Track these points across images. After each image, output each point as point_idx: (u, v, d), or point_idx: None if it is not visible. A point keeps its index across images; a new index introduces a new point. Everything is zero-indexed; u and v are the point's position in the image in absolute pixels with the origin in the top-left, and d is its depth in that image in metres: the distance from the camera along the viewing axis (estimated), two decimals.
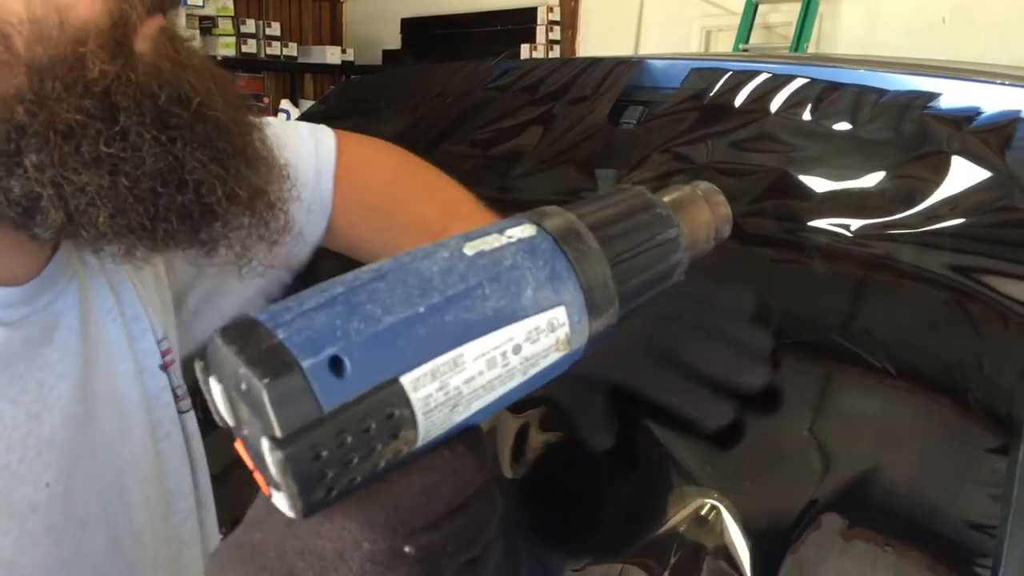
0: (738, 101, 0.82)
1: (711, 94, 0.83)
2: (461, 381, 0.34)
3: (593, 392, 0.70)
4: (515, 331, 0.35)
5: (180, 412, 0.62)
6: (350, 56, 6.56)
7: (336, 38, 7.14)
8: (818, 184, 0.71)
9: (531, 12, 5.92)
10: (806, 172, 0.72)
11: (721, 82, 0.84)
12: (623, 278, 0.39)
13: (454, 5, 6.32)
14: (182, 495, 0.62)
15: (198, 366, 0.36)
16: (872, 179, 0.69)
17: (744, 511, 0.61)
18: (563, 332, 0.37)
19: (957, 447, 0.57)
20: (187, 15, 5.46)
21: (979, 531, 0.53)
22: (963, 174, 0.64)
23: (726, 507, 0.62)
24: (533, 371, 0.36)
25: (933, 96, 0.73)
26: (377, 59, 6.77)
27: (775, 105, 0.80)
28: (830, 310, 0.66)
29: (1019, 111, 0.68)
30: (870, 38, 4.53)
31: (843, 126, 0.75)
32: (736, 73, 0.84)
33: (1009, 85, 0.74)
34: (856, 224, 0.67)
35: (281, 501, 0.33)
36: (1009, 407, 0.55)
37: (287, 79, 6.74)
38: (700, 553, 0.61)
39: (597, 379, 0.69)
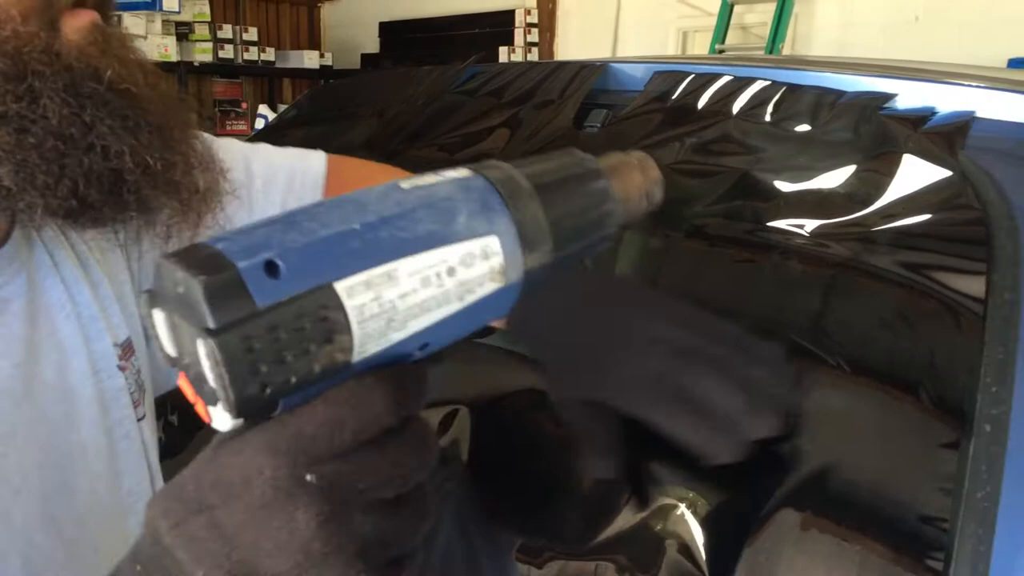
0: (700, 103, 0.83)
1: (674, 97, 0.84)
2: (396, 295, 0.35)
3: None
4: (448, 253, 0.37)
5: (137, 419, 0.63)
6: (328, 60, 6.55)
7: (314, 42, 7.13)
8: (777, 185, 0.72)
9: (509, 15, 5.93)
10: (766, 173, 0.73)
11: (684, 85, 0.84)
12: (555, 217, 0.40)
13: (432, 8, 6.32)
14: (141, 496, 0.62)
15: (143, 299, 0.37)
16: (829, 179, 0.70)
17: (701, 507, 0.62)
18: (497, 261, 0.38)
19: (911, 443, 0.58)
20: (163, 21, 5.44)
21: (932, 525, 0.54)
22: (917, 174, 0.65)
23: (685, 503, 0.63)
24: (470, 298, 0.37)
25: (889, 97, 0.74)
26: (356, 63, 6.76)
27: (737, 107, 0.81)
28: (788, 308, 0.67)
29: (973, 112, 0.69)
30: (844, 37, 4.57)
31: (802, 127, 0.76)
32: (698, 76, 0.85)
33: (965, 85, 0.75)
34: (814, 224, 0.68)
35: (219, 415, 0.34)
36: (960, 402, 0.56)
37: (265, 84, 6.72)
38: (659, 548, 0.62)
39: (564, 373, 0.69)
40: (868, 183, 0.67)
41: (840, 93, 0.77)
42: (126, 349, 0.64)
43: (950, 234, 0.62)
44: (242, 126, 6.13)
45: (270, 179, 0.71)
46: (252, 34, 6.16)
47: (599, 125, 0.87)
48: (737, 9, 4.82)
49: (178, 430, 1.07)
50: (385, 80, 1.23)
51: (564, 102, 0.89)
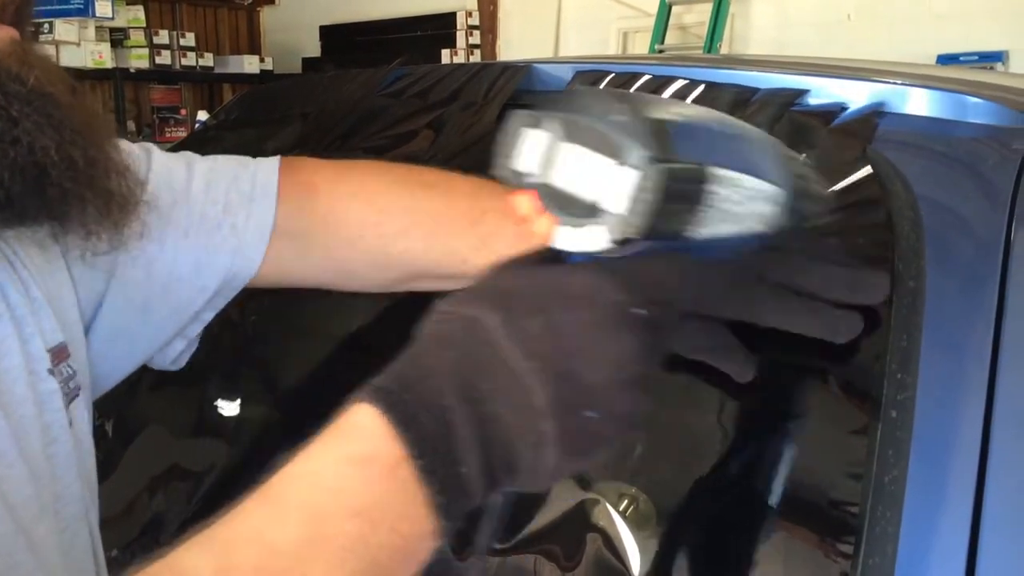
0: None
1: None
2: (726, 195, 0.43)
3: None
4: (759, 185, 0.46)
5: (68, 424, 0.63)
6: (269, 65, 6.48)
7: (254, 47, 7.04)
8: None
9: (450, 17, 5.93)
10: None
11: (604, 84, 0.85)
12: (803, 197, 0.51)
13: (373, 11, 6.29)
14: (72, 500, 0.61)
15: (519, 118, 0.44)
16: None
17: (628, 502, 0.63)
18: (775, 210, 0.48)
19: (823, 430, 0.60)
20: (96, 27, 5.33)
21: (843, 510, 0.56)
22: (826, 168, 0.67)
23: (609, 499, 0.63)
24: (745, 226, 0.47)
25: (800, 94, 0.75)
26: (297, 67, 6.69)
27: None
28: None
29: (880, 105, 0.71)
30: (780, 36, 4.66)
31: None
32: (619, 75, 0.86)
33: (876, 81, 0.77)
34: None
35: (589, 233, 0.41)
36: (867, 390, 0.57)
37: (205, 90, 6.62)
38: (583, 543, 0.63)
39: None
40: None
41: (754, 91, 0.78)
42: (57, 353, 0.63)
43: (855, 225, 0.64)
44: (182, 133, 6.03)
45: (212, 179, 0.71)
46: (190, 39, 6.07)
47: None
48: (676, 10, 4.87)
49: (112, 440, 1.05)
50: (314, 84, 1.22)
51: (488, 104, 0.89)
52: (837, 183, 0.66)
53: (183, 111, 6.29)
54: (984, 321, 0.57)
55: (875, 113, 0.71)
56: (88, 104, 0.58)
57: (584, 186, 0.41)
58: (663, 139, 0.40)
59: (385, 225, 0.70)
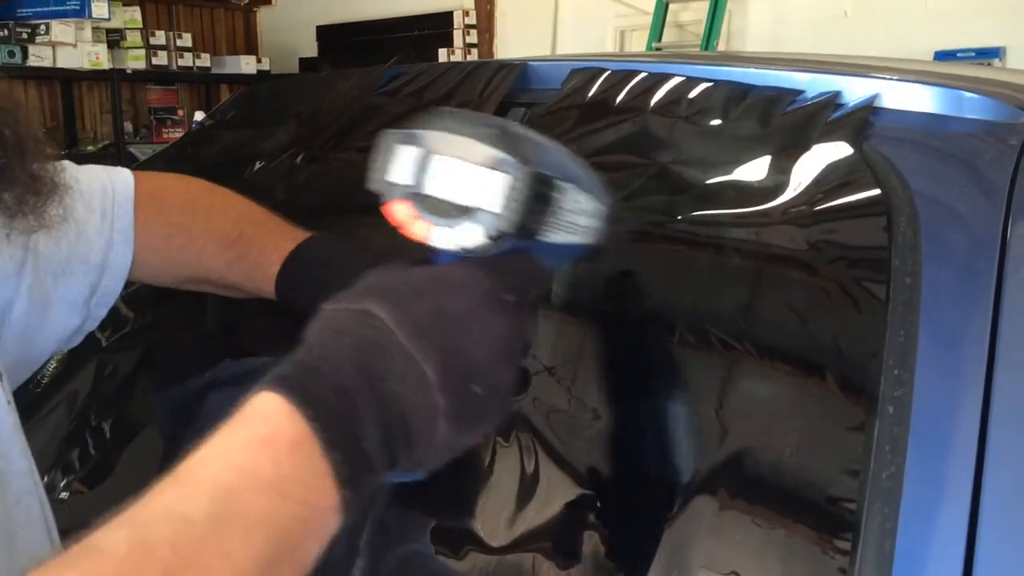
0: (617, 100, 0.83)
1: (591, 94, 0.85)
2: (566, 208, 0.50)
3: None
4: (589, 203, 0.53)
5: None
6: (266, 65, 6.47)
7: (251, 47, 7.03)
8: (686, 179, 0.73)
9: (447, 16, 5.92)
10: (678, 168, 0.74)
11: (600, 82, 0.85)
12: (614, 219, 0.57)
13: (370, 11, 6.28)
14: (16, 476, 0.62)
15: (390, 136, 0.50)
16: (738, 172, 0.71)
17: (618, 497, 0.63)
18: (596, 224, 0.54)
19: (820, 427, 0.60)
20: (93, 28, 5.32)
21: (841, 506, 0.55)
22: (821, 164, 0.67)
23: (602, 494, 0.63)
24: (573, 238, 0.53)
25: (797, 92, 0.75)
26: (294, 67, 6.69)
27: (653, 103, 0.82)
28: (700, 297, 0.68)
29: (873, 99, 0.71)
30: (777, 34, 4.66)
31: (715, 122, 0.77)
32: (615, 73, 0.86)
33: (872, 77, 0.77)
34: (723, 217, 0.69)
35: (465, 232, 0.47)
36: (865, 386, 0.57)
37: (201, 91, 6.61)
38: (578, 540, 0.62)
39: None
40: (775, 175, 0.69)
41: (751, 88, 0.78)
42: None
43: (852, 221, 0.64)
44: (179, 134, 6.02)
45: (88, 190, 0.75)
46: (186, 40, 6.06)
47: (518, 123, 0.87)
48: (673, 7, 4.87)
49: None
50: (310, 83, 1.22)
51: (483, 102, 0.89)
52: (831, 178, 0.66)
53: (180, 112, 6.29)
54: (981, 316, 0.57)
55: (866, 108, 0.71)
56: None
57: (457, 191, 0.47)
58: (526, 149, 0.47)
59: (173, 239, 0.78)
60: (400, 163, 0.49)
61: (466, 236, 0.47)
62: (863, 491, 0.54)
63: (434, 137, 0.48)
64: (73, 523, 1.00)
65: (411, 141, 0.49)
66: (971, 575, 0.51)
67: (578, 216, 0.51)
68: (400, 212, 0.49)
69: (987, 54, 3.99)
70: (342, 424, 0.42)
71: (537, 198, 0.47)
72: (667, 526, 0.59)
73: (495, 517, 0.68)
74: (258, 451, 0.41)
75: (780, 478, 0.59)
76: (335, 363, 0.43)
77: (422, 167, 0.48)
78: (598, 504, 0.64)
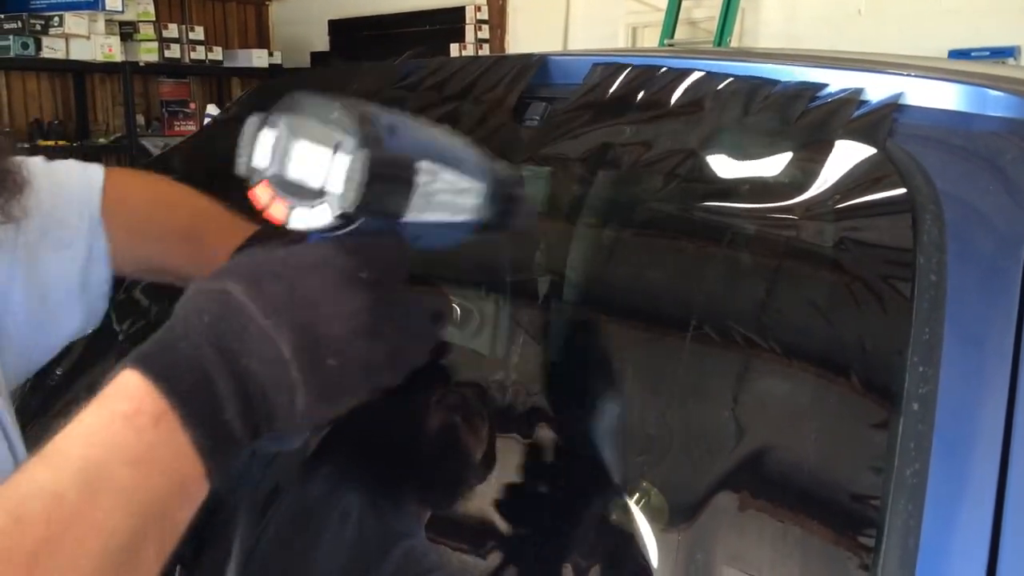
0: (638, 95, 0.83)
1: (612, 89, 0.85)
2: (435, 188, 0.52)
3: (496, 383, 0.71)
4: (463, 181, 0.55)
5: None
6: (278, 59, 6.47)
7: (263, 41, 7.04)
8: (709, 175, 0.73)
9: (459, 11, 5.92)
10: (700, 163, 0.74)
11: (622, 77, 0.85)
12: (503, 196, 0.59)
13: (382, 5, 6.28)
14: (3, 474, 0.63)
15: (254, 121, 0.51)
16: (762, 168, 0.71)
17: (645, 496, 0.63)
18: (479, 202, 0.57)
19: (844, 424, 0.60)
20: (106, 20, 5.33)
21: (864, 503, 0.56)
22: (845, 162, 0.67)
23: (628, 492, 0.63)
24: (456, 217, 0.56)
25: (820, 87, 0.75)
26: (305, 61, 6.69)
27: (674, 98, 0.82)
28: (723, 293, 0.68)
29: (898, 97, 0.71)
30: (790, 31, 4.64)
31: (738, 117, 0.77)
32: (636, 67, 0.86)
33: (893, 74, 0.77)
34: (746, 212, 0.69)
35: (316, 212, 0.49)
36: (890, 383, 0.57)
37: (213, 84, 6.62)
38: (603, 536, 0.63)
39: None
40: (799, 172, 0.69)
41: (774, 83, 0.78)
42: None
43: (878, 219, 0.64)
44: (190, 126, 6.04)
45: (67, 181, 0.77)
46: (199, 33, 6.06)
47: (539, 118, 0.88)
48: (685, 4, 4.85)
49: None
50: (327, 76, 1.22)
51: (504, 96, 0.89)
52: (856, 176, 0.66)
53: (192, 105, 6.29)
54: (1006, 313, 0.57)
55: (891, 105, 0.70)
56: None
57: (311, 174, 0.49)
58: (369, 132, 0.48)
59: (136, 231, 0.81)
60: (260, 147, 0.51)
61: (319, 217, 0.49)
62: (887, 488, 0.54)
63: (291, 121, 0.50)
64: None
65: (270, 125, 0.51)
66: (995, 572, 0.51)
67: (451, 195, 0.54)
68: (262, 195, 0.51)
69: (1001, 53, 3.96)
70: (200, 399, 0.45)
71: (386, 179, 0.49)
72: (691, 523, 0.59)
73: (515, 514, 0.69)
74: (122, 427, 0.44)
75: (804, 475, 0.59)
76: (193, 341, 0.46)
77: (280, 151, 0.50)
78: (619, 501, 0.64)
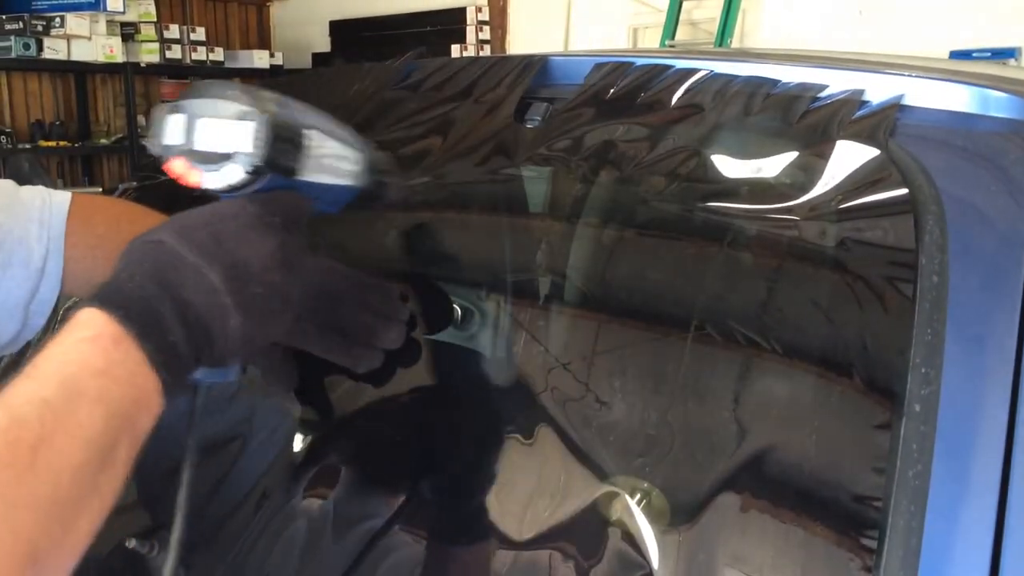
0: (640, 95, 0.83)
1: (613, 89, 0.85)
2: (321, 152, 0.63)
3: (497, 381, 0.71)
4: (343, 149, 0.66)
5: None
6: (279, 60, 6.48)
7: (264, 42, 7.05)
8: (711, 174, 0.73)
9: (460, 12, 5.92)
10: (701, 163, 0.74)
11: (623, 76, 0.85)
12: (378, 167, 0.70)
13: (383, 7, 6.28)
14: None
15: (163, 108, 0.61)
16: (763, 168, 0.71)
17: (644, 495, 0.63)
18: (357, 168, 0.68)
19: (846, 425, 0.59)
20: (107, 21, 5.34)
21: (866, 504, 0.55)
22: (847, 162, 0.67)
23: (629, 491, 0.63)
24: (340, 181, 0.66)
25: (822, 87, 0.75)
26: (306, 62, 6.69)
27: (675, 98, 0.82)
28: (727, 293, 0.67)
29: (900, 98, 0.71)
30: (790, 32, 4.64)
31: (739, 117, 0.77)
32: (637, 67, 0.85)
33: (895, 74, 0.77)
34: (748, 212, 0.69)
35: (228, 173, 0.59)
36: (891, 384, 0.57)
37: None
38: (604, 536, 0.62)
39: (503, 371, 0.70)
40: (800, 172, 0.68)
41: (775, 83, 0.78)
42: None
43: (880, 220, 0.63)
44: None
45: (29, 201, 0.81)
46: (200, 34, 6.07)
47: (540, 118, 0.87)
48: (686, 5, 4.86)
49: None
50: (328, 77, 1.22)
51: (505, 96, 0.89)
52: (858, 176, 0.66)
53: None
54: (1008, 314, 0.57)
55: (893, 106, 0.70)
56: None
57: (219, 143, 0.59)
58: (265, 104, 0.59)
59: (98, 249, 0.84)
60: (171, 128, 0.61)
61: (230, 175, 0.59)
62: (889, 489, 0.54)
63: (195, 104, 0.60)
64: None
65: (178, 110, 0.61)
66: (998, 573, 0.51)
67: (335, 160, 0.65)
68: (176, 167, 0.61)
69: (1003, 54, 3.96)
70: (149, 323, 0.54)
71: (283, 140, 0.60)
72: (692, 524, 0.59)
73: (514, 514, 0.68)
74: (89, 348, 0.52)
75: (806, 476, 0.59)
76: (139, 282, 0.55)
77: (189, 129, 0.60)
78: (616, 502, 0.64)
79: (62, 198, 0.84)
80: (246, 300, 0.57)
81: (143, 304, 0.54)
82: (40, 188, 0.84)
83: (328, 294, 0.74)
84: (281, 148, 0.59)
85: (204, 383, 0.63)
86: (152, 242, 0.57)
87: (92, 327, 0.53)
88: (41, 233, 0.80)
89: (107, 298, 0.54)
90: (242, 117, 0.59)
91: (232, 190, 0.60)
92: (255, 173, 0.59)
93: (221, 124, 0.59)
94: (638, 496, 0.64)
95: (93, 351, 0.52)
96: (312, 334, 0.74)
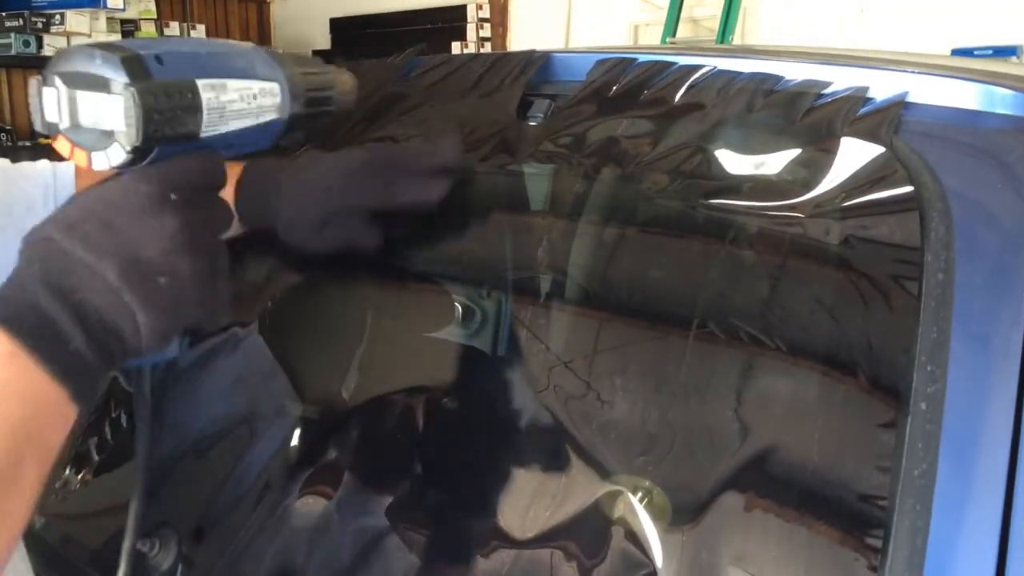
0: (642, 91, 0.83)
1: (615, 85, 0.84)
2: (226, 100, 0.56)
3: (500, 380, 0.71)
4: (254, 85, 0.58)
5: None
6: None
7: (264, 39, 7.03)
8: (715, 171, 0.72)
9: (461, 10, 5.91)
10: (705, 160, 0.74)
11: (625, 73, 0.85)
12: (306, 85, 0.63)
13: (383, 4, 6.27)
14: None
15: (35, 82, 0.53)
16: (767, 165, 0.70)
17: (648, 493, 0.62)
18: (278, 100, 0.60)
19: (851, 423, 0.59)
20: (108, 18, 5.33)
21: (871, 503, 0.55)
22: (851, 160, 0.66)
23: (632, 490, 0.63)
24: (261, 119, 0.60)
25: (825, 84, 0.74)
26: None
27: (678, 95, 0.81)
28: (729, 290, 0.67)
29: (904, 95, 0.70)
30: (792, 29, 4.63)
31: (742, 113, 0.76)
32: (639, 64, 0.85)
33: (899, 71, 0.76)
34: (752, 210, 0.68)
35: (111, 154, 0.52)
36: (896, 383, 0.56)
37: None
38: (607, 535, 0.62)
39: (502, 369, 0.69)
40: (805, 169, 0.68)
41: (778, 80, 0.77)
42: None
43: (885, 217, 0.63)
44: None
45: (33, 172, 0.81)
46: (200, 31, 6.06)
47: (542, 115, 0.87)
48: (687, 2, 4.85)
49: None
50: None
51: (507, 92, 0.89)
52: (862, 174, 0.65)
53: None
54: (1013, 312, 0.56)
55: (898, 103, 0.70)
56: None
57: (98, 119, 0.52)
58: (136, 67, 0.51)
59: None
60: (47, 104, 0.54)
61: (115, 156, 0.53)
62: (895, 488, 0.54)
63: (65, 75, 0.53)
64: (85, 511, 1.00)
65: (49, 83, 0.53)
66: (1004, 572, 0.50)
67: (245, 102, 0.58)
68: (61, 147, 0.54)
69: (1004, 52, 3.95)
70: (44, 335, 0.50)
71: (166, 107, 0.52)
72: (695, 523, 0.59)
73: (516, 514, 0.68)
74: None
75: (810, 475, 0.58)
76: (30, 289, 0.50)
77: (64, 104, 0.53)
78: (627, 503, 0.64)
79: (68, 167, 0.83)
80: (149, 294, 0.52)
81: (36, 313, 0.50)
82: (45, 161, 0.83)
83: (360, 181, 0.75)
84: (167, 116, 0.52)
85: (143, 366, 0.59)
86: (39, 242, 0.52)
87: None
88: (47, 199, 0.80)
89: None
90: (110, 89, 0.51)
91: (126, 167, 0.53)
92: (139, 152, 0.52)
93: (95, 99, 0.52)
94: (640, 495, 0.64)
95: None
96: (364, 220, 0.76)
